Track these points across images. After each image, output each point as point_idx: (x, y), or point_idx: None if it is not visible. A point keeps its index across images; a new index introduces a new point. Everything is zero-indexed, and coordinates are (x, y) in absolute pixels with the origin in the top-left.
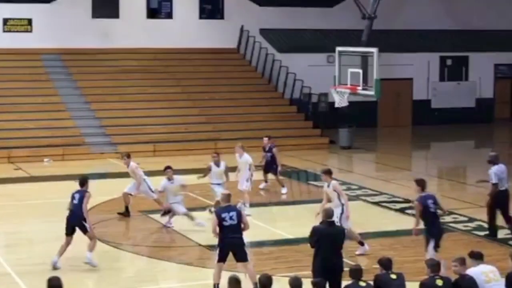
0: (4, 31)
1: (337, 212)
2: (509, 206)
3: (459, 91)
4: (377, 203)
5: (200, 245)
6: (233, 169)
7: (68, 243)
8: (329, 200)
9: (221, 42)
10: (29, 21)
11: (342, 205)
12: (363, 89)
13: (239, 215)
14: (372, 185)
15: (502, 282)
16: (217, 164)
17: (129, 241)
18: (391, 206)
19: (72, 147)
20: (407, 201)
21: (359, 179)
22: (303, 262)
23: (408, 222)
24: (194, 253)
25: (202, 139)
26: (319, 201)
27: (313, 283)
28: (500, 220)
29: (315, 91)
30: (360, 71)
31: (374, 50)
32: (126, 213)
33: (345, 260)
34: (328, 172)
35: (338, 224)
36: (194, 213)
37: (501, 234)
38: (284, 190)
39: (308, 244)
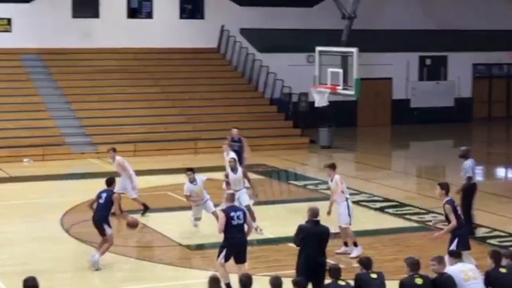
0: None
1: (342, 208)
2: (474, 200)
3: (438, 91)
4: (356, 202)
5: (180, 245)
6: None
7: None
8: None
9: (202, 42)
10: (9, 21)
11: (347, 199)
12: (343, 88)
13: (245, 216)
14: (352, 184)
15: (481, 281)
16: (234, 170)
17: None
18: (370, 205)
19: (52, 147)
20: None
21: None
22: (283, 262)
23: (387, 221)
24: (175, 253)
25: (182, 139)
26: (299, 200)
27: (294, 282)
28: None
29: (295, 90)
30: (340, 70)
31: (354, 50)
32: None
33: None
34: (331, 166)
35: (347, 220)
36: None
37: (480, 232)
38: (247, 184)
39: (289, 244)
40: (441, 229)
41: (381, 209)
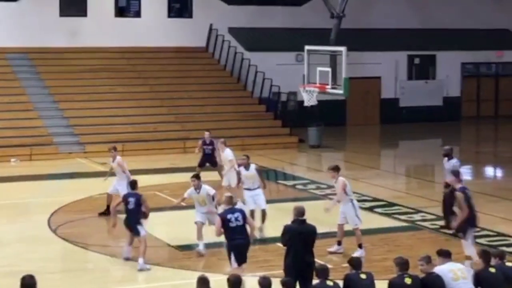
0: None
1: (348, 210)
2: None
3: (426, 90)
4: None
5: (169, 245)
6: None
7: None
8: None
9: (190, 41)
10: None
11: (351, 200)
12: (332, 87)
13: (244, 216)
14: None
15: (469, 280)
16: (246, 167)
17: (97, 242)
18: (360, 205)
19: (40, 147)
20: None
21: (328, 178)
22: (272, 262)
23: (376, 220)
24: (163, 253)
25: (171, 138)
26: (288, 200)
27: (282, 283)
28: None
29: (284, 90)
30: (329, 69)
31: (342, 49)
32: (107, 212)
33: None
34: (333, 169)
35: (355, 221)
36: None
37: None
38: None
39: (278, 244)
40: None
41: (370, 209)
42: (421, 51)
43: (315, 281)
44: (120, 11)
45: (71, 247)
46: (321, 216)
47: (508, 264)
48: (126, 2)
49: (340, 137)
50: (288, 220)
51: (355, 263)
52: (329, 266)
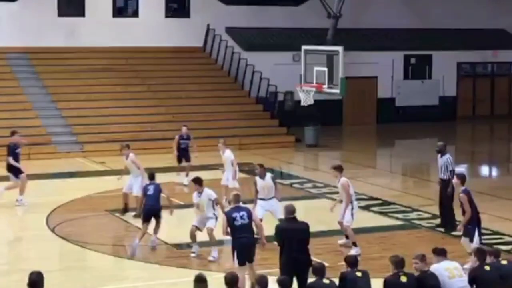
0: None
1: (347, 208)
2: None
3: (422, 90)
4: (341, 201)
5: (166, 243)
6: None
7: (146, 229)
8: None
9: (187, 40)
10: None
11: (351, 202)
12: (329, 87)
13: (250, 215)
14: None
15: (465, 278)
16: (261, 176)
17: (95, 240)
18: (356, 203)
19: (38, 146)
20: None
21: (325, 177)
22: (269, 260)
23: (372, 219)
24: (161, 252)
25: (168, 138)
26: (285, 199)
27: (278, 281)
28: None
29: (281, 89)
30: (326, 69)
31: (339, 48)
32: (125, 210)
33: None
34: (336, 168)
35: (348, 219)
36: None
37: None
38: (186, 182)
39: (275, 242)
40: None
41: (366, 208)
42: (417, 51)
43: (312, 279)
44: (118, 11)
45: (70, 245)
46: (319, 215)
47: (503, 262)
48: (124, 2)
49: (336, 137)
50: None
51: (351, 262)
52: (326, 264)
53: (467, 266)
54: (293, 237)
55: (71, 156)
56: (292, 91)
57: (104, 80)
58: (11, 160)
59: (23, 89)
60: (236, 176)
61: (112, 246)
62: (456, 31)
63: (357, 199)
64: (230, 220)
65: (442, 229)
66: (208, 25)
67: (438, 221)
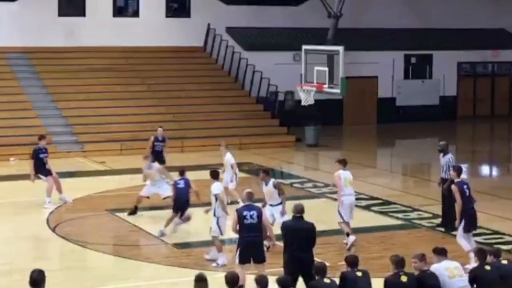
0: None
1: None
2: None
3: (423, 89)
4: None
5: (167, 243)
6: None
7: (174, 218)
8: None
9: (188, 40)
10: None
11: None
12: (329, 87)
13: (260, 215)
14: None
15: (465, 278)
16: (266, 183)
17: (96, 240)
18: (356, 203)
19: None
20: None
21: (325, 176)
22: (269, 260)
23: (373, 219)
24: (162, 251)
25: (168, 138)
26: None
27: (278, 281)
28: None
29: (281, 89)
30: (326, 69)
31: (340, 48)
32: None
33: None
34: (339, 162)
35: (338, 218)
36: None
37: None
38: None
39: (275, 242)
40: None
41: (366, 207)
42: (417, 50)
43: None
44: (118, 11)
45: (70, 245)
46: (319, 215)
47: (504, 262)
48: (124, 2)
49: (337, 136)
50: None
51: (351, 261)
52: (326, 264)
53: (468, 266)
54: (297, 236)
55: (71, 156)
56: (293, 91)
57: (104, 80)
58: (31, 163)
59: (23, 89)
60: (235, 180)
61: (112, 246)
62: (457, 31)
63: (358, 199)
64: (240, 218)
65: (442, 229)
66: (208, 25)
67: (438, 220)
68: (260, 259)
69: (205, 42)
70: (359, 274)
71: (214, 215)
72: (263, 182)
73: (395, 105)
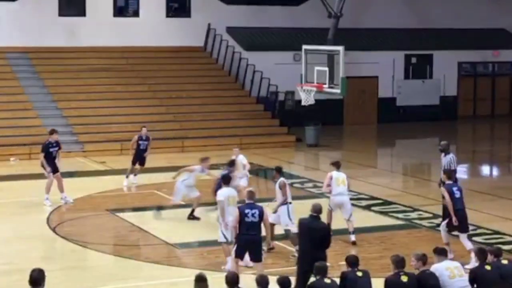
0: None
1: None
2: None
3: (423, 89)
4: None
5: (167, 243)
6: None
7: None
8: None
9: (188, 40)
10: None
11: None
12: (329, 87)
13: (261, 214)
14: None
15: (466, 278)
16: (275, 181)
17: (96, 240)
18: (357, 203)
19: (38, 146)
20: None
21: (325, 176)
22: (269, 260)
23: (373, 219)
24: (162, 251)
25: (169, 138)
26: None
27: (278, 281)
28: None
29: (281, 89)
30: (327, 69)
31: (340, 48)
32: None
33: None
34: (332, 164)
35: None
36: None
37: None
38: (135, 180)
39: (276, 242)
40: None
41: (367, 207)
42: (418, 50)
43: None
44: (119, 11)
45: (70, 245)
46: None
47: (504, 261)
48: (125, 2)
49: (337, 136)
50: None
51: (352, 261)
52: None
53: (468, 266)
54: (311, 235)
55: (72, 156)
56: (293, 91)
57: (104, 80)
58: (42, 158)
59: (23, 89)
60: (246, 180)
61: (112, 246)
62: (457, 31)
63: (358, 199)
64: (242, 215)
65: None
66: (208, 25)
67: (438, 220)
68: (256, 259)
69: (206, 42)
70: (359, 274)
71: (218, 220)
72: (275, 180)
73: (395, 105)
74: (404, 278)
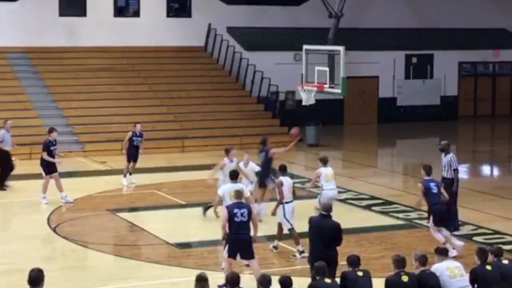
0: None
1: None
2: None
3: (424, 89)
4: (343, 200)
5: (167, 243)
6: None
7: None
8: None
9: (188, 40)
10: None
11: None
12: (330, 87)
13: (250, 213)
14: (339, 182)
15: (466, 278)
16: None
17: (96, 240)
18: (357, 203)
19: (39, 146)
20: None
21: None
22: (270, 260)
23: (373, 218)
24: (162, 251)
25: (169, 138)
26: None
27: (280, 281)
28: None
29: (282, 89)
30: (327, 69)
31: (340, 48)
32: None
33: None
34: (320, 160)
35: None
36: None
37: (467, 230)
38: (133, 180)
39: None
40: None
41: (367, 207)
42: (418, 50)
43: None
44: (119, 11)
45: (71, 245)
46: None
47: (505, 261)
48: (125, 2)
49: (337, 136)
50: None
51: (353, 261)
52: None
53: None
54: (320, 233)
55: (72, 156)
56: (293, 91)
57: (105, 80)
58: (45, 156)
59: (24, 88)
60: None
61: (113, 246)
62: (457, 31)
63: (358, 199)
64: (231, 215)
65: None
66: (209, 25)
67: None
68: (248, 256)
69: (206, 42)
70: (360, 274)
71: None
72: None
73: (396, 105)
74: (405, 278)
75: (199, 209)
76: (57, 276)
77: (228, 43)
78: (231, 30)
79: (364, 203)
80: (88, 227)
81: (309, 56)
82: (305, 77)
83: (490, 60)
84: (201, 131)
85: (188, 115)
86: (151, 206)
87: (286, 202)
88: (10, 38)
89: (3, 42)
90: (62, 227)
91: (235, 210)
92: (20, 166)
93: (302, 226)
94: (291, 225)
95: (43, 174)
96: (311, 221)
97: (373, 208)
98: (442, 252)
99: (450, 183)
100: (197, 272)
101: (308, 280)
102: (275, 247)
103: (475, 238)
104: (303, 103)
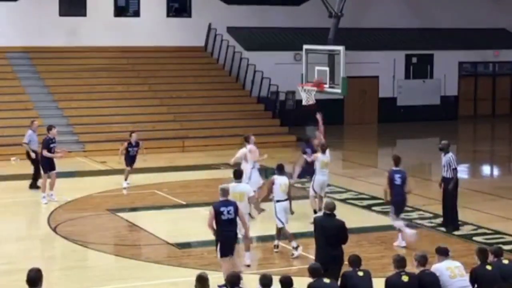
0: None
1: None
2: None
3: (424, 89)
4: (343, 200)
5: (168, 243)
6: None
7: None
8: None
9: (189, 40)
10: None
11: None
12: (330, 87)
13: (236, 210)
14: (339, 182)
15: (466, 278)
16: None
17: (97, 240)
18: (357, 203)
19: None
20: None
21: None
22: (271, 260)
23: (374, 219)
24: (162, 251)
25: (169, 137)
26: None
27: (281, 281)
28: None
29: (282, 89)
30: (327, 69)
31: (340, 48)
32: None
33: None
34: (319, 146)
35: None
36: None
37: (467, 230)
38: (125, 184)
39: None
40: None
41: (367, 207)
42: (418, 50)
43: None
44: (119, 11)
45: (71, 245)
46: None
47: (505, 261)
48: (125, 2)
49: (338, 136)
50: None
51: (354, 261)
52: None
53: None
54: (325, 232)
55: (72, 156)
56: (294, 91)
57: (105, 80)
58: (45, 153)
59: (24, 88)
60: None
61: (113, 246)
62: (457, 31)
63: (359, 199)
64: (218, 214)
65: (443, 229)
66: (209, 25)
67: (439, 220)
68: (233, 252)
69: (206, 42)
70: (360, 273)
71: None
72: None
73: (396, 105)
74: (405, 278)
75: (199, 209)
76: (57, 276)
77: (228, 43)
78: (231, 30)
79: (365, 203)
80: (88, 227)
81: (309, 56)
82: (305, 77)
83: (490, 60)
84: (201, 131)
85: (188, 115)
86: (151, 206)
87: (278, 201)
88: (10, 38)
89: (3, 42)
90: (62, 227)
91: (222, 208)
92: (20, 166)
93: (303, 226)
94: (283, 223)
95: (42, 172)
96: (315, 220)
97: (373, 208)
98: (443, 252)
99: (450, 183)
100: (197, 272)
101: (308, 280)
102: (276, 246)
103: (475, 238)
104: (303, 103)
